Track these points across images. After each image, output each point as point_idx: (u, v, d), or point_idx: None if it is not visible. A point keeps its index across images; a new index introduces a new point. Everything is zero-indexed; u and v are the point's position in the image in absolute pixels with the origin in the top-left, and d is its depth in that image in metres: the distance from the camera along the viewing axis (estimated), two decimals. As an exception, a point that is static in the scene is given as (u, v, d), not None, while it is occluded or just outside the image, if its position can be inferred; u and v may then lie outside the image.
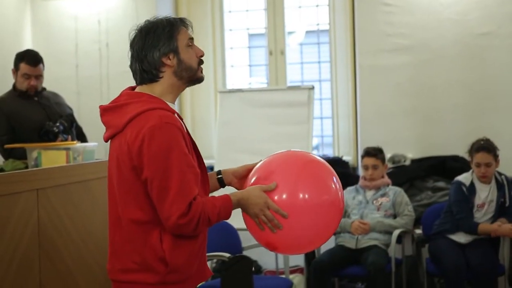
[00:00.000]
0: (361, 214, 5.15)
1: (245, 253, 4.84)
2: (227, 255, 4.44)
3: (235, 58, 6.70)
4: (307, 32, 6.71)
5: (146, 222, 2.37)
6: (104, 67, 6.41)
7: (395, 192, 5.23)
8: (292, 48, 6.69)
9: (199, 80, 2.52)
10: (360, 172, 5.52)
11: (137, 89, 2.48)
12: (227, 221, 4.89)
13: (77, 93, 6.41)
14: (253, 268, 5.48)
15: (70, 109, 4.93)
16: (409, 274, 5.26)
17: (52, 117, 4.61)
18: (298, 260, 5.80)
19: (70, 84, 6.41)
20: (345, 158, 6.17)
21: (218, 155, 5.67)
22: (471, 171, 5.03)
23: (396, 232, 5.01)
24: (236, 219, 4.95)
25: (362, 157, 5.35)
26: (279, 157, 2.59)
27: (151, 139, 2.29)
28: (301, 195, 2.42)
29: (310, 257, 5.18)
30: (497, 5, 5.76)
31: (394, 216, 5.16)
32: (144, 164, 2.31)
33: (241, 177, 2.64)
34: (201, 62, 2.51)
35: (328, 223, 2.50)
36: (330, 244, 5.22)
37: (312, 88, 5.62)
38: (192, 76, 2.48)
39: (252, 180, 2.52)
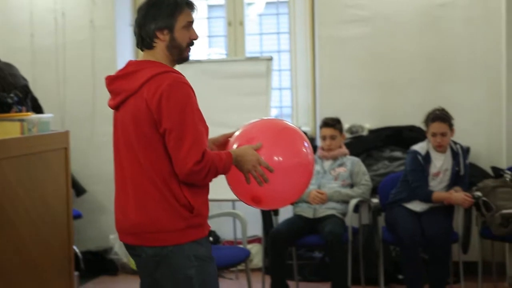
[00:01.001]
0: (319, 184, 5.19)
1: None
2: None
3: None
4: (267, 3, 6.68)
5: (167, 173, 2.60)
6: (60, 36, 6.30)
7: (353, 162, 5.27)
8: (251, 19, 6.65)
9: (185, 59, 2.76)
10: (318, 142, 5.55)
11: (142, 58, 2.74)
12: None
13: (32, 63, 6.30)
14: (211, 238, 5.52)
15: (25, 80, 4.85)
16: (365, 243, 5.33)
17: (7, 88, 4.54)
18: (256, 230, 5.83)
19: (24, 55, 6.28)
20: (303, 128, 6.19)
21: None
22: (426, 140, 5.09)
23: (353, 202, 5.07)
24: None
25: (320, 127, 5.37)
26: (256, 124, 2.90)
27: (169, 95, 2.54)
28: (275, 158, 2.74)
29: (268, 226, 5.21)
30: (454, -24, 5.81)
31: (351, 186, 5.21)
32: (163, 117, 2.55)
33: (220, 144, 2.88)
34: (191, 43, 2.74)
35: (299, 182, 2.83)
36: (288, 213, 5.26)
37: (271, 59, 5.62)
38: (179, 54, 2.72)
39: (235, 146, 2.80)
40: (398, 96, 5.95)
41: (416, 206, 5.04)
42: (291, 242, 5.03)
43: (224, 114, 5.41)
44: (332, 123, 5.31)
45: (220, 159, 2.60)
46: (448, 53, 5.84)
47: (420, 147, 5.08)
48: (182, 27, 2.69)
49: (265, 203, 2.92)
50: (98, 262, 6.07)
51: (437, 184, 5.04)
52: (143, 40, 2.71)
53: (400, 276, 5.31)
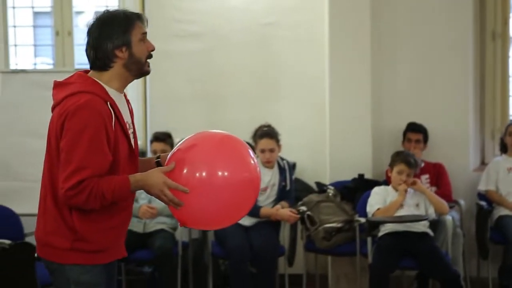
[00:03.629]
0: (150, 199, 5.14)
1: (27, 239, 4.65)
2: (8, 242, 4.26)
3: (19, 37, 6.37)
4: (96, 13, 6.55)
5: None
6: None
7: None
8: (81, 29, 6.50)
9: (146, 73, 2.74)
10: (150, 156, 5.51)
11: (89, 74, 2.69)
12: (8, 206, 4.69)
13: None
14: (36, 255, 5.29)
15: None
16: (195, 257, 5.35)
17: None
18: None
19: None
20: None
21: (-1, 137, 5.38)
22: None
23: (183, 216, 5.07)
24: (17, 204, 4.76)
25: (151, 142, 5.35)
26: (195, 136, 2.66)
27: (72, 115, 2.53)
28: (220, 173, 2.45)
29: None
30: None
31: (182, 200, 5.20)
32: (62, 136, 2.55)
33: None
34: (149, 56, 2.71)
35: (245, 201, 2.55)
36: (117, 229, 5.17)
37: (100, 70, 5.51)
38: (140, 69, 2.70)
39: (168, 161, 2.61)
40: (228, 111, 6.04)
41: (245, 220, 5.11)
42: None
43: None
44: (163, 138, 5.31)
45: (108, 184, 2.53)
46: (276, 71, 6.03)
47: (249, 162, 5.17)
48: (138, 40, 2.67)
49: (191, 224, 2.70)
50: None
51: (265, 199, 5.16)
52: (100, 61, 2.65)
53: (229, 290, 5.39)
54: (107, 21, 2.66)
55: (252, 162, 2.60)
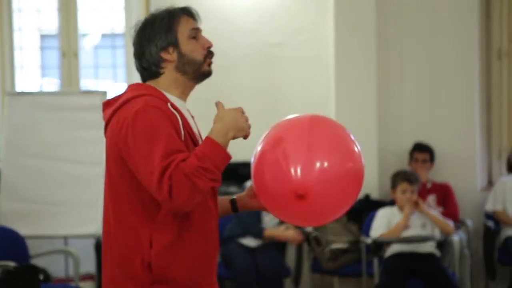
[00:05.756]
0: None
1: (33, 261, 4.64)
2: (13, 264, 4.24)
3: (25, 59, 6.41)
4: (102, 35, 6.59)
5: (133, 220, 2.17)
6: None
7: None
8: (87, 50, 6.53)
9: (206, 74, 2.34)
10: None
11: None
12: (13, 227, 4.68)
13: None
14: (42, 277, 5.29)
15: None
16: (201, 278, 5.32)
17: None
18: (89, 266, 5.64)
19: None
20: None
21: (5, 159, 5.39)
22: (260, 176, 5.18)
23: (188, 237, 5.05)
24: (24, 225, 4.75)
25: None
26: (278, 128, 2.29)
27: (134, 125, 2.10)
28: (318, 164, 2.00)
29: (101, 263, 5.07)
30: (287, 18, 6.01)
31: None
32: (131, 153, 2.11)
33: (255, 196, 2.42)
34: (209, 54, 2.31)
35: (347, 199, 2.09)
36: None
37: (105, 93, 5.53)
38: (197, 70, 2.30)
39: (258, 152, 2.25)
40: (233, 132, 6.03)
41: (250, 241, 5.10)
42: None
43: (57, 148, 5.26)
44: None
45: (195, 155, 2.11)
46: (283, 92, 6.02)
47: (254, 182, 5.16)
48: (187, 37, 2.27)
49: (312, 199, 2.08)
50: None
51: (270, 220, 5.14)
52: (148, 71, 2.28)
53: (235, 311, 5.36)
54: (147, 23, 2.29)
55: (356, 149, 2.13)
